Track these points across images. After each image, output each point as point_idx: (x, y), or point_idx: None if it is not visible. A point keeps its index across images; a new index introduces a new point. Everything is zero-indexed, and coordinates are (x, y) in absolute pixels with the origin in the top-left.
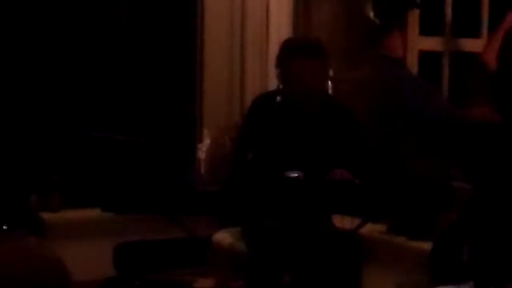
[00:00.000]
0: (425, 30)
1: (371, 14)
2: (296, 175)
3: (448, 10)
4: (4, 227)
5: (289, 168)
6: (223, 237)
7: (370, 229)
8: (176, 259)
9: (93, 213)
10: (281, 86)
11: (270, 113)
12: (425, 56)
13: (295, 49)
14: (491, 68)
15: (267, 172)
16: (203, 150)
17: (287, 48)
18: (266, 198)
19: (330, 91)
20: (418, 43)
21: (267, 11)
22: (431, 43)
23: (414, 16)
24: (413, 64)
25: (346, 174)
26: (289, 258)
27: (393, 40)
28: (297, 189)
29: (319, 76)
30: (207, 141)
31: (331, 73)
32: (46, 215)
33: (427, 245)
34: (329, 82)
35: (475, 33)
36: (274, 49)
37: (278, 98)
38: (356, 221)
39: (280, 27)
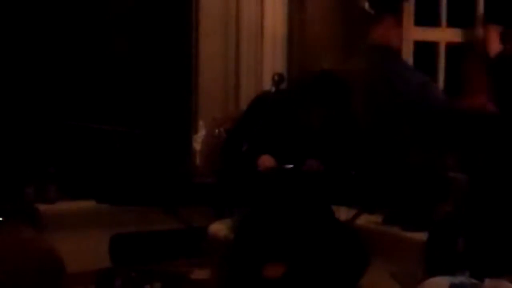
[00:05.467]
0: (420, 21)
1: (366, 5)
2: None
3: (443, 1)
4: (0, 219)
5: (283, 160)
6: (219, 228)
7: (366, 220)
8: (171, 250)
9: (89, 204)
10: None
11: (267, 107)
12: (421, 47)
13: None
14: (492, 54)
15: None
16: (198, 141)
17: None
18: (260, 188)
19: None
20: (413, 33)
21: (262, 4)
22: (427, 34)
23: (409, 7)
24: (408, 54)
25: (316, 165)
26: (281, 248)
27: (386, 31)
28: (293, 180)
29: None
30: (202, 133)
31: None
32: (42, 207)
33: (422, 236)
34: None
35: (470, 24)
36: (268, 42)
37: (273, 88)
38: (352, 212)
39: (275, 20)
